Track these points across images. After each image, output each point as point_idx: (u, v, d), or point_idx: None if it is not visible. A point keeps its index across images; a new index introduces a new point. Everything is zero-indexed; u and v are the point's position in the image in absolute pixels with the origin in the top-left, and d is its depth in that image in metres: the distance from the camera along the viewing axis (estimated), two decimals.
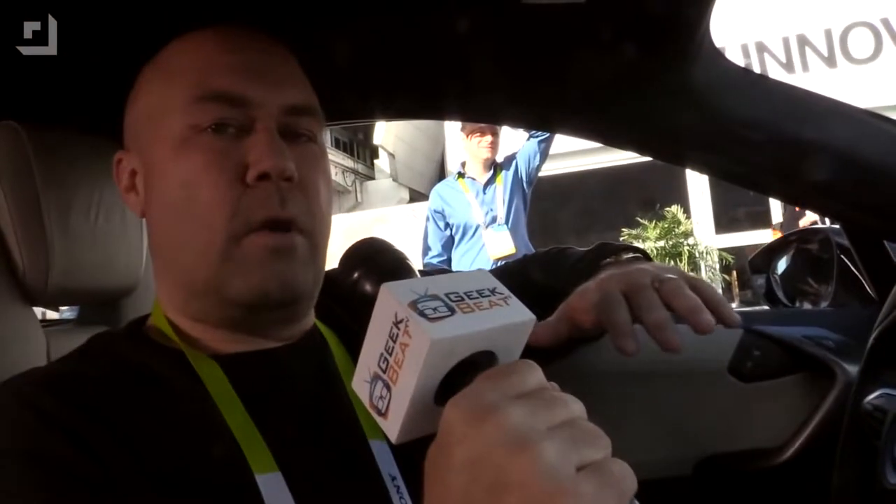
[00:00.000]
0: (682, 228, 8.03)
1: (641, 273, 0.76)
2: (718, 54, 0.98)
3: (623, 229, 8.22)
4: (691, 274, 0.80)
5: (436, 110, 1.44)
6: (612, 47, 0.96)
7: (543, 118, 1.32)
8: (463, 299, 0.49)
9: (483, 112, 1.37)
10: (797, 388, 1.26)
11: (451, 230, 3.54)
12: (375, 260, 0.82)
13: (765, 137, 1.06)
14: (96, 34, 0.88)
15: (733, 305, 7.75)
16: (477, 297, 0.50)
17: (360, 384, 0.50)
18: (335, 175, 12.50)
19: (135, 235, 1.01)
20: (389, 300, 0.47)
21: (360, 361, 0.50)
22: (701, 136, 1.11)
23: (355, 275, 0.81)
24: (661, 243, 7.93)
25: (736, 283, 8.17)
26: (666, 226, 7.99)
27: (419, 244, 3.68)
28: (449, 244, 3.56)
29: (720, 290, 8.15)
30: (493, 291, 0.51)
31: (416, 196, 11.63)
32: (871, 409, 0.99)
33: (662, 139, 1.17)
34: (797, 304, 1.70)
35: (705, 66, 0.98)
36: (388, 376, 0.48)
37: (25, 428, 0.58)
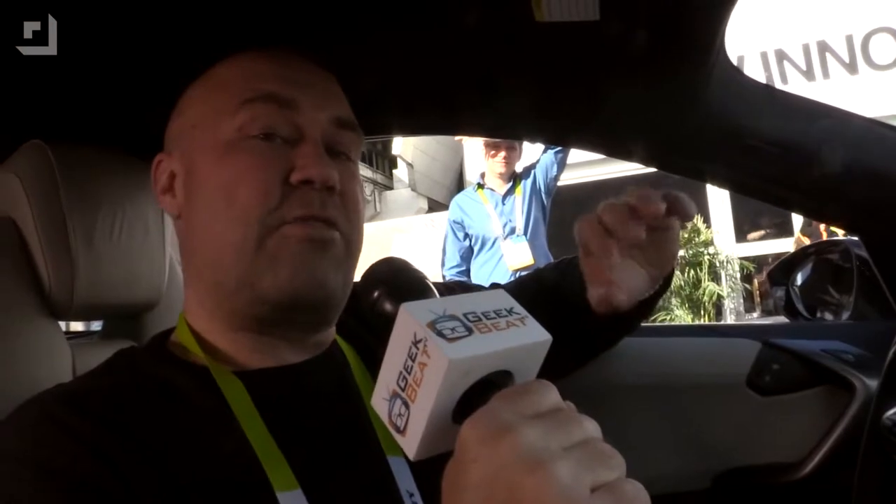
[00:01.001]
0: (703, 238, 7.96)
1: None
2: (734, 69, 0.99)
3: None
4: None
5: (455, 127, 1.45)
6: (627, 63, 0.96)
7: (561, 133, 1.33)
8: (480, 319, 0.50)
9: (501, 127, 1.38)
10: (816, 402, 1.25)
11: (471, 241, 3.55)
12: (395, 279, 0.83)
13: (782, 151, 1.06)
14: (125, 50, 0.90)
15: (754, 315, 7.68)
16: (494, 318, 0.51)
17: (379, 401, 0.51)
18: None
19: (157, 250, 1.03)
20: (408, 320, 0.49)
21: (379, 379, 0.51)
22: (717, 151, 1.11)
23: (375, 293, 0.82)
24: (682, 252, 7.86)
25: (757, 292, 8.08)
26: (686, 235, 7.91)
27: (438, 254, 3.69)
28: (468, 255, 3.57)
29: (741, 300, 8.07)
30: (510, 311, 0.52)
31: (435, 206, 11.62)
32: (890, 424, 0.98)
33: (679, 154, 1.18)
34: (818, 317, 1.68)
35: (721, 81, 0.99)
36: (407, 394, 0.49)
37: (48, 443, 0.59)
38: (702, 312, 7.67)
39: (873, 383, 1.16)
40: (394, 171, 13.14)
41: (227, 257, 0.69)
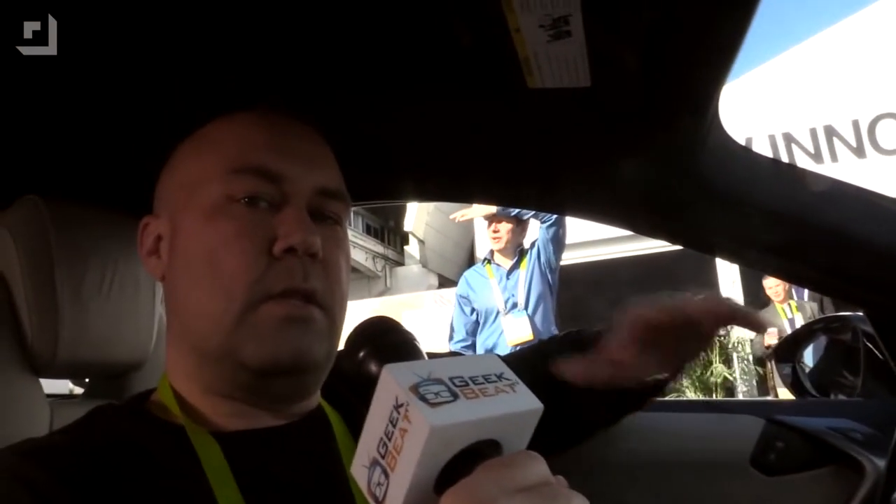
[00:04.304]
0: None
1: None
2: (728, 138, 0.98)
3: None
4: None
5: (457, 193, 1.46)
6: (619, 131, 0.97)
7: (561, 202, 1.32)
8: (468, 384, 0.48)
9: (502, 195, 1.38)
10: (824, 482, 1.20)
11: (477, 315, 3.53)
12: (382, 339, 0.81)
13: (779, 222, 1.05)
14: (121, 110, 0.91)
15: (769, 398, 7.54)
16: (482, 383, 0.48)
17: (358, 469, 0.49)
18: (365, 260, 12.62)
19: (147, 310, 1.01)
20: (390, 383, 0.46)
21: (359, 445, 0.49)
22: (716, 220, 1.10)
23: (361, 354, 0.80)
24: None
25: (771, 374, 7.94)
26: None
27: (446, 329, 3.68)
28: (474, 329, 3.55)
29: (754, 384, 7.91)
30: (499, 377, 0.50)
31: (445, 282, 11.64)
32: None
33: (679, 223, 1.17)
34: (831, 395, 1.63)
35: (716, 148, 0.98)
36: (387, 462, 0.46)
37: (3, 495, 0.57)
38: (713, 395, 7.52)
39: (883, 463, 1.11)
40: (405, 248, 13.26)
41: (207, 326, 0.68)
